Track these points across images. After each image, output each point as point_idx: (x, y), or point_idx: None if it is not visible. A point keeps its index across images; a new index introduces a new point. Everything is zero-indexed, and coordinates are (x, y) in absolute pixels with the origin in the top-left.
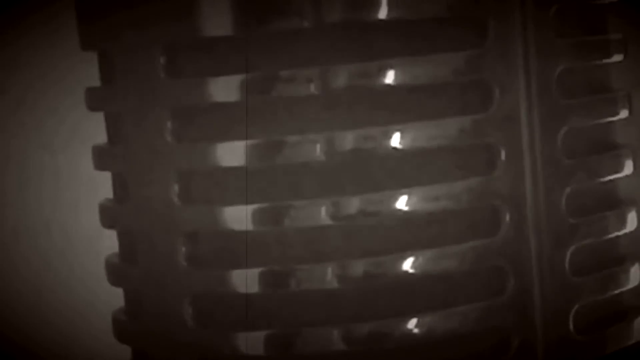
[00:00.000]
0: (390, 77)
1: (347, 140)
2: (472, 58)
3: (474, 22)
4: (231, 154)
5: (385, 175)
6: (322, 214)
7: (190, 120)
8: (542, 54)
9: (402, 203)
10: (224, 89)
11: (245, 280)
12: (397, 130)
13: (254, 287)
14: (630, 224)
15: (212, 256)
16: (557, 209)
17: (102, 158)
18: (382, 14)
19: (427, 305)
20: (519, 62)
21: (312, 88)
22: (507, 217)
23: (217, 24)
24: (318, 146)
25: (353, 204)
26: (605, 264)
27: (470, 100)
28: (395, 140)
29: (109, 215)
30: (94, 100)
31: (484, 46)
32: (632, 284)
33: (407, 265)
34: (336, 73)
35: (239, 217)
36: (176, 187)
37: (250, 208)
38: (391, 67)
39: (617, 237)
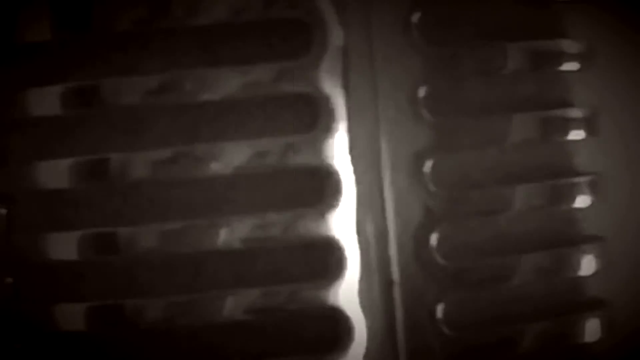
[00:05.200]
0: (202, 91)
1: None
2: (295, 69)
3: (298, 27)
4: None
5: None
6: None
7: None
8: (392, 67)
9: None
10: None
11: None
12: (208, 151)
13: (73, 254)
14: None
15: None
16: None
17: None
18: (202, 18)
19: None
20: (358, 75)
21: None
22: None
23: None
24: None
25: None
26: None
27: (293, 118)
28: (209, 162)
29: None
30: None
31: (309, 55)
32: None
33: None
34: (151, 83)
35: None
36: None
37: None
38: (201, 79)
39: None
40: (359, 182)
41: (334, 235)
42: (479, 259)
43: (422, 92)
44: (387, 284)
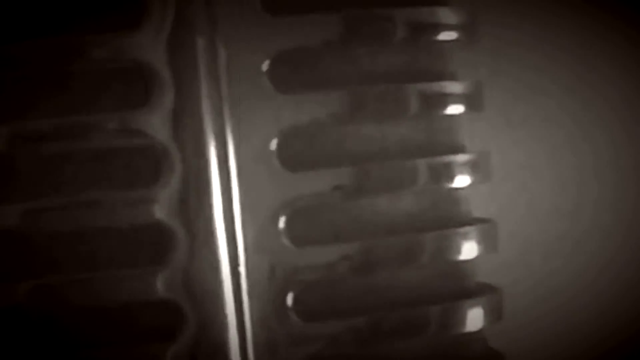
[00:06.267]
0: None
1: None
2: (126, 40)
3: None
4: None
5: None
6: None
7: None
8: (235, 40)
9: None
10: None
11: None
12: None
13: None
14: None
15: None
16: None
17: None
18: None
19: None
20: (199, 47)
21: None
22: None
23: None
24: None
25: None
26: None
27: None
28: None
29: None
30: None
31: (146, 25)
32: None
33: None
34: None
35: None
36: None
37: None
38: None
39: None
40: (201, 162)
41: (174, 219)
42: (336, 243)
43: (266, 65)
44: (234, 271)
